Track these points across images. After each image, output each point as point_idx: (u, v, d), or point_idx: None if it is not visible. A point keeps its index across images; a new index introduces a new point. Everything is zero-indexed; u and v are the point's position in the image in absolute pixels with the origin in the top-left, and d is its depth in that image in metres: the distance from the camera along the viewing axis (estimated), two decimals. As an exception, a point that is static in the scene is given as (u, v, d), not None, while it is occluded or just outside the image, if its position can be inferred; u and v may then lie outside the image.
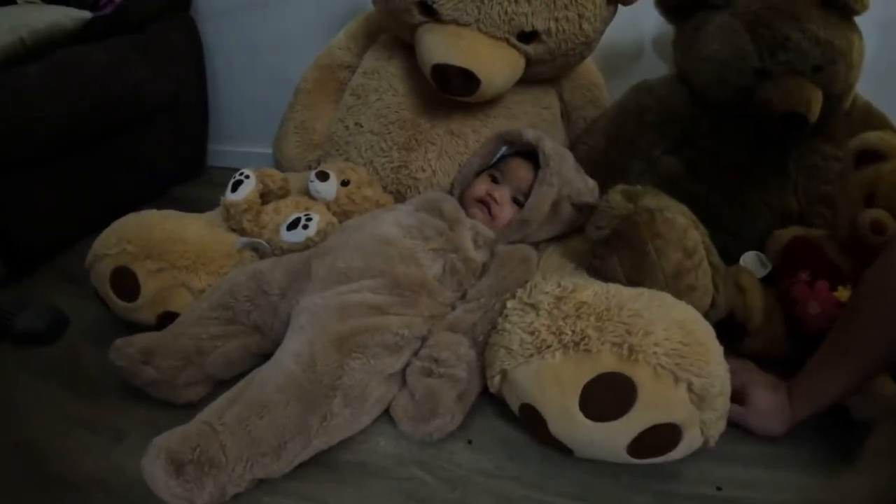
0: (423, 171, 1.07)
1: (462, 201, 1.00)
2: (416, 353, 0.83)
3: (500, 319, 0.83)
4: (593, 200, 0.98)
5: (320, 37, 1.39)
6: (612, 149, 1.17)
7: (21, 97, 1.15)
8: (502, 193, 0.98)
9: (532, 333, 0.76)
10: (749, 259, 1.05)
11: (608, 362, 0.71)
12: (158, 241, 0.94)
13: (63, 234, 1.28)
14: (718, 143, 1.13)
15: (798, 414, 0.78)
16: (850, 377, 0.74)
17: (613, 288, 0.80)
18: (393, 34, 1.16)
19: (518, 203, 0.99)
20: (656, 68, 1.32)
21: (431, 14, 0.99)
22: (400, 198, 1.08)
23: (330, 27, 1.40)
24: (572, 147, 1.16)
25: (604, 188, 1.00)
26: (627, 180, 1.13)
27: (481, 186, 1.00)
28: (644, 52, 1.35)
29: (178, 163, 1.54)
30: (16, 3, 1.40)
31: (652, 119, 1.16)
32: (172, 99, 1.45)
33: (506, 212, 0.97)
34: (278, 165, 1.26)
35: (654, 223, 0.84)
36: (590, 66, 1.21)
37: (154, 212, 1.02)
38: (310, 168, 1.20)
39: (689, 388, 0.70)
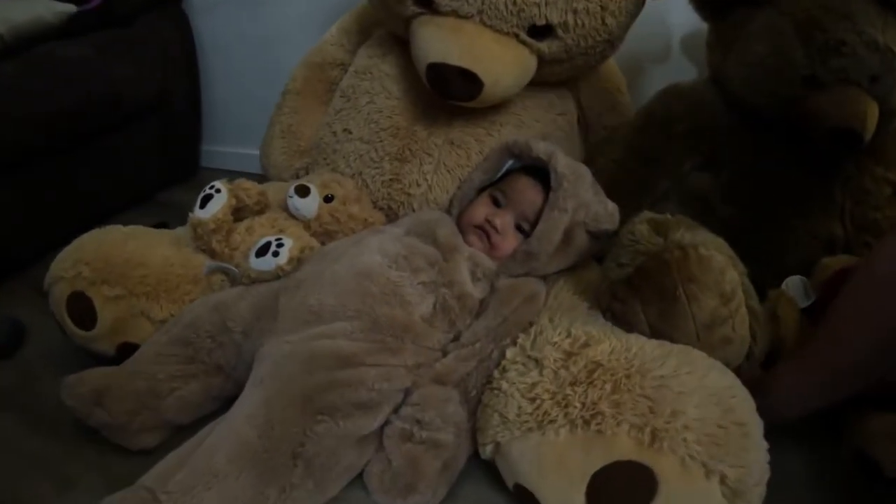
0: (418, 185, 0.90)
1: (459, 224, 0.83)
2: (396, 410, 0.68)
3: (496, 372, 0.67)
4: (613, 227, 0.80)
5: (322, 31, 1.22)
6: (634, 163, 0.99)
7: (-8, 97, 1.04)
8: (504, 220, 0.80)
9: (533, 400, 0.61)
10: (793, 285, 0.89)
11: (625, 448, 0.55)
12: (117, 264, 0.81)
13: (38, 244, 1.15)
14: (757, 160, 0.96)
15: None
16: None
17: (635, 343, 0.64)
18: (388, 30, 0.98)
19: (522, 231, 0.81)
20: (684, 71, 1.14)
21: (427, 5, 0.81)
22: (391, 215, 0.91)
23: (332, 21, 1.23)
24: (590, 160, 0.98)
25: (626, 208, 0.84)
26: (652, 199, 0.99)
27: (480, 210, 0.82)
28: (671, 52, 1.16)
29: (166, 165, 1.40)
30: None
31: (682, 130, 0.97)
32: (158, 98, 1.31)
33: (508, 242, 0.80)
34: (265, 172, 1.10)
35: (686, 262, 0.67)
36: (612, 68, 1.03)
37: (119, 228, 0.89)
38: (297, 177, 1.04)
39: (723, 481, 0.55)
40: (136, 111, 1.27)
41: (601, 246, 0.83)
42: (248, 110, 1.45)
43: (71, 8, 1.24)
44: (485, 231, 0.80)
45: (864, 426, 0.70)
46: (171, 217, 1.27)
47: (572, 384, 0.60)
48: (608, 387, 0.59)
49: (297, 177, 1.03)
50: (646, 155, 0.99)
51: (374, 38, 1.01)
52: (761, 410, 0.63)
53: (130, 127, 1.28)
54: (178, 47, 1.36)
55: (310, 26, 1.32)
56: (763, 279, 0.85)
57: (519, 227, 0.81)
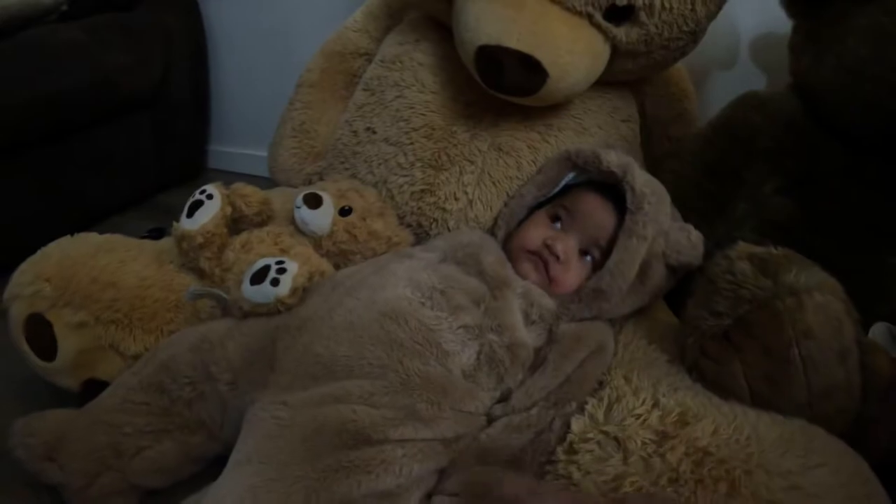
0: (456, 199, 0.72)
1: (507, 249, 0.66)
2: (428, 496, 0.50)
3: (560, 451, 0.50)
4: (697, 261, 0.63)
5: (337, 22, 1.07)
6: (707, 180, 0.82)
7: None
8: (568, 246, 0.63)
9: (620, 502, 0.43)
10: (880, 332, 0.74)
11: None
12: (83, 283, 0.67)
13: (19, 249, 0.99)
14: (848, 185, 0.78)
15: None
16: None
17: (745, 420, 0.48)
18: (423, 13, 0.81)
19: (590, 259, 0.64)
20: (753, 79, 0.98)
21: (479, -25, 0.64)
22: (422, 234, 0.74)
23: (348, 10, 1.08)
24: (653, 175, 0.81)
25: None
26: (727, 225, 0.82)
27: (537, 231, 0.65)
28: (739, 57, 1.00)
29: (166, 165, 1.26)
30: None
31: (764, 145, 0.81)
32: (156, 89, 1.18)
33: (572, 274, 0.62)
34: (272, 176, 0.94)
35: (803, 314, 0.51)
36: (680, 71, 0.87)
37: (91, 238, 0.74)
38: (310, 183, 0.87)
39: None
40: (133, 103, 1.14)
41: (677, 281, 0.66)
42: (260, 108, 1.31)
43: (68, -11, 1.12)
44: (542, 259, 0.62)
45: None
46: (170, 222, 1.13)
47: (673, 481, 0.43)
48: (723, 487, 0.42)
49: (310, 183, 0.86)
50: (721, 172, 0.82)
51: (405, 22, 0.83)
52: None
53: (127, 121, 1.15)
54: (184, 36, 1.23)
55: (331, 18, 1.14)
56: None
57: (586, 254, 0.63)
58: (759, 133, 0.82)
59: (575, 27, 0.63)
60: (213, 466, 0.59)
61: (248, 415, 0.52)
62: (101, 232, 0.78)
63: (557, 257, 0.62)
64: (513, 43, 0.61)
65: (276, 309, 0.58)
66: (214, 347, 0.57)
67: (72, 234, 0.74)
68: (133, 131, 1.17)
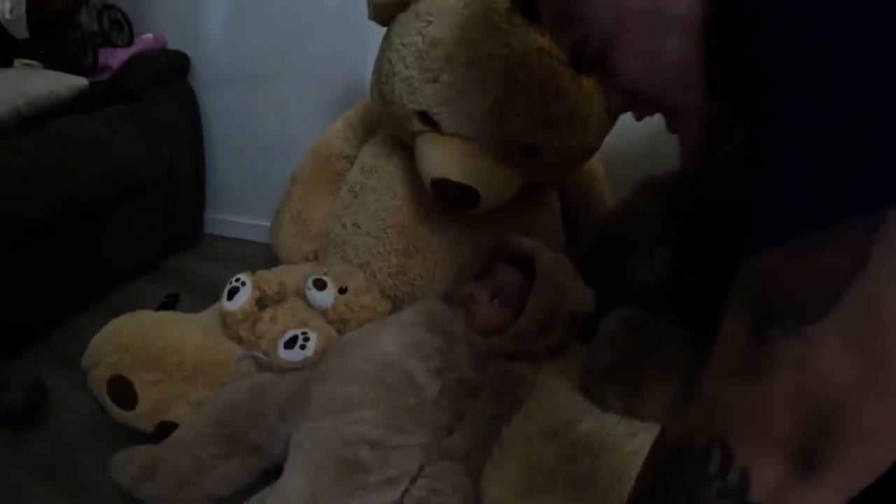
0: (422, 278, 1.13)
1: (449, 302, 1.06)
2: (413, 480, 0.88)
3: (495, 448, 0.88)
4: (590, 310, 1.04)
5: (318, 110, 1.46)
6: (612, 251, 1.21)
7: (13, 173, 1.20)
8: (481, 293, 1.05)
9: (527, 469, 0.83)
10: None
11: (603, 509, 0.77)
12: (156, 351, 1.00)
13: (54, 312, 1.33)
14: (726, 249, 1.16)
15: None
16: None
17: (609, 422, 0.88)
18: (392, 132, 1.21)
19: (497, 301, 1.05)
20: (658, 155, 1.31)
21: (432, 124, 1.04)
22: (397, 303, 1.14)
23: (328, 101, 1.48)
24: (571, 246, 1.22)
25: (605, 291, 1.06)
26: (629, 285, 1.22)
27: (465, 288, 1.07)
28: (648, 140, 1.37)
29: (172, 233, 1.60)
30: (12, 65, 1.46)
31: (656, 222, 1.20)
32: (167, 172, 1.51)
33: (483, 310, 1.04)
34: (276, 254, 1.32)
35: (651, 357, 0.90)
36: (591, 162, 1.27)
37: (149, 314, 1.09)
38: (307, 259, 1.26)
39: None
40: (147, 184, 1.46)
41: (580, 327, 1.05)
42: (249, 182, 1.69)
43: (83, 81, 1.43)
44: (466, 303, 1.04)
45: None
46: (177, 285, 1.47)
47: (560, 458, 0.82)
48: (587, 460, 0.81)
49: (307, 259, 1.26)
50: (622, 244, 1.20)
51: (378, 137, 1.24)
52: None
53: (141, 198, 1.47)
54: (184, 121, 1.57)
55: (309, 105, 1.54)
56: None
57: (494, 297, 1.04)
58: (652, 213, 1.18)
59: (498, 164, 1.03)
60: (264, 476, 0.93)
61: (295, 436, 0.89)
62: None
63: (474, 300, 1.03)
64: (455, 177, 1.00)
65: (304, 366, 0.97)
66: (265, 393, 0.95)
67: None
68: (146, 207, 1.48)
